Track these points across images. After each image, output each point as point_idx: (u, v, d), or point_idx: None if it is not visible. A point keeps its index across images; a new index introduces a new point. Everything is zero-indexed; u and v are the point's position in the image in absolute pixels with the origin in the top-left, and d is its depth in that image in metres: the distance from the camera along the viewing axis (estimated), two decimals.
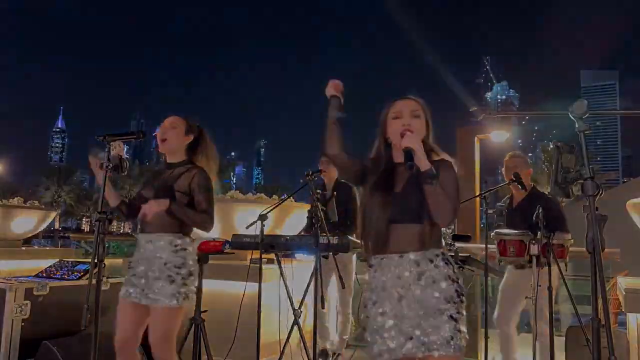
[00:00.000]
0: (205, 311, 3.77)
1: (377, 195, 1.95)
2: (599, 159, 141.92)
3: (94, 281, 2.11)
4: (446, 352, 1.77)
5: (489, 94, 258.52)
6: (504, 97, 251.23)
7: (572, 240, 3.38)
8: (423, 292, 1.85)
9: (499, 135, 7.80)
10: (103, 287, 3.20)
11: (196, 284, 2.61)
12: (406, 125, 1.92)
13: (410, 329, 1.82)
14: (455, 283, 1.88)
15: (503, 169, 3.76)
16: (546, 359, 3.41)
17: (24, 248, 6.21)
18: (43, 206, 7.54)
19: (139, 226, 2.59)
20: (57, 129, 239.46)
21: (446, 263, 1.89)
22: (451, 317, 1.81)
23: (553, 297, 3.19)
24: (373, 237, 1.94)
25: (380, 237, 1.91)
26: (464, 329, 1.83)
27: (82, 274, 3.69)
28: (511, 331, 3.60)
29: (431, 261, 1.88)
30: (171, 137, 2.60)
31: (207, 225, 2.54)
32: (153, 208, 2.40)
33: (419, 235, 1.88)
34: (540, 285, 3.09)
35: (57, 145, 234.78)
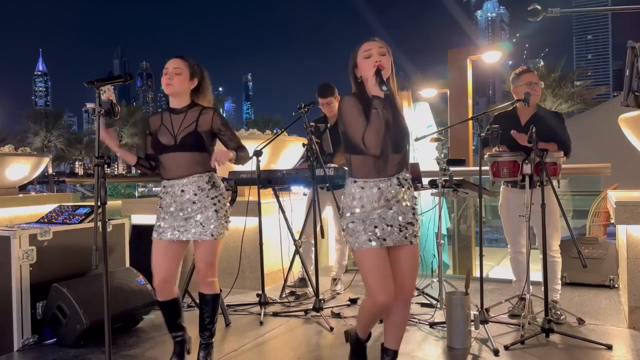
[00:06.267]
0: None
1: (371, 128, 2.10)
2: (589, 73, 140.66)
3: (99, 223, 2.15)
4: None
5: (479, 12, 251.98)
6: (494, 14, 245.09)
7: (564, 158, 3.43)
8: (402, 202, 2.24)
9: (491, 56, 7.69)
10: (107, 229, 3.28)
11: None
12: (378, 61, 2.13)
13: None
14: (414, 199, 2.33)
15: (518, 85, 3.59)
16: (552, 276, 3.54)
17: (21, 195, 6.22)
18: (35, 152, 7.47)
19: (164, 173, 2.69)
20: (39, 72, 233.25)
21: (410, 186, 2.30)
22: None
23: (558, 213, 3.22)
24: (376, 164, 2.18)
25: (382, 164, 2.19)
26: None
27: (83, 217, 3.72)
28: (520, 250, 3.62)
29: (406, 180, 2.28)
30: (176, 83, 2.65)
31: (249, 156, 2.80)
32: (223, 159, 2.62)
33: (400, 161, 2.25)
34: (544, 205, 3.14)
35: (41, 89, 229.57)
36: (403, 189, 2.23)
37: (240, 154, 2.73)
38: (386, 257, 2.20)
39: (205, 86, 2.79)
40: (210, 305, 2.81)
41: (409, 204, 2.26)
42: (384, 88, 2.04)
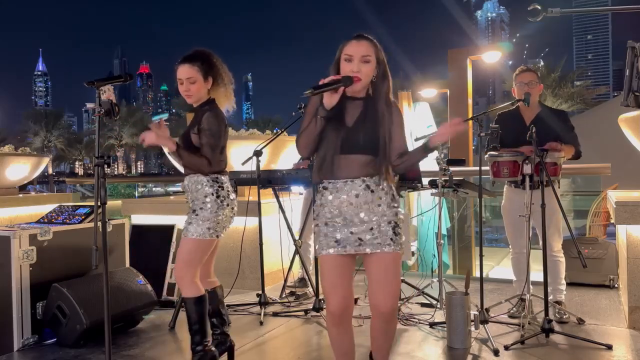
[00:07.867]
0: None
1: (330, 128, 2.09)
2: (589, 73, 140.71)
3: (99, 223, 2.15)
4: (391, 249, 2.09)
5: (479, 12, 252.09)
6: (494, 14, 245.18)
7: (565, 158, 3.43)
8: (371, 207, 2.09)
9: (491, 56, 7.69)
10: (108, 229, 3.28)
11: (221, 217, 2.70)
12: (355, 72, 2.06)
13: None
14: (395, 208, 2.15)
15: (514, 85, 3.64)
16: (556, 276, 3.54)
17: (21, 195, 6.22)
18: (35, 152, 7.47)
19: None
20: (39, 72, 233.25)
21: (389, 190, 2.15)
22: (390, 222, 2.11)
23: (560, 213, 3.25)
24: (324, 165, 2.10)
25: (329, 165, 2.09)
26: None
27: (83, 217, 3.72)
28: (522, 251, 3.59)
29: (377, 185, 2.11)
30: (194, 92, 2.66)
31: (203, 169, 2.64)
32: (152, 139, 2.51)
33: (366, 164, 2.10)
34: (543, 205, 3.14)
35: (41, 89, 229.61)
36: (373, 193, 2.08)
37: (191, 158, 2.56)
38: (343, 265, 2.09)
39: (220, 78, 2.72)
40: (187, 308, 2.65)
41: (384, 209, 2.10)
42: (306, 92, 1.98)
